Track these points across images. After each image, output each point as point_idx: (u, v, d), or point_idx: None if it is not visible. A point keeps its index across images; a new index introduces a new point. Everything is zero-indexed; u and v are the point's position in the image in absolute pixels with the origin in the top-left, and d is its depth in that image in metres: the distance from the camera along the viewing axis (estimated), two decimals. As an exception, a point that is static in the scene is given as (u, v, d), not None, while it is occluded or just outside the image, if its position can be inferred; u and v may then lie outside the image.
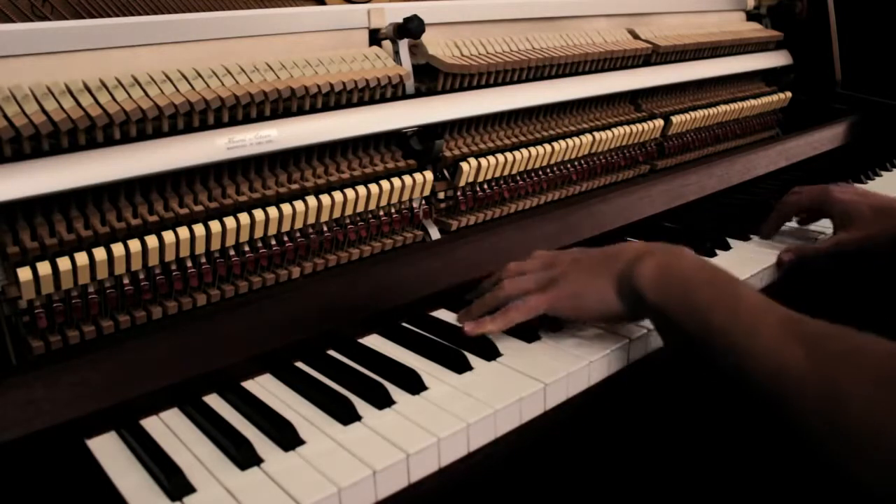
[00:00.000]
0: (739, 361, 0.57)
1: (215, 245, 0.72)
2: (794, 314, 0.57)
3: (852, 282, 0.94)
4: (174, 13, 0.83)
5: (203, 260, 0.73)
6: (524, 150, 0.97)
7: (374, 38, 0.91)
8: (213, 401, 0.66)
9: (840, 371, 0.51)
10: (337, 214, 0.81)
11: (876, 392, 0.49)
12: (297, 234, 0.79)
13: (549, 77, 1.04)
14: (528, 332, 0.76)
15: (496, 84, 0.98)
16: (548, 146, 1.00)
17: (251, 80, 0.76)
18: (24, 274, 0.62)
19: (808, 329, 0.56)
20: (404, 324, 0.80)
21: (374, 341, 0.77)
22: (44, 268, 0.63)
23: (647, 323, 0.77)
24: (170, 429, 0.62)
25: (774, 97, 1.45)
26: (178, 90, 0.72)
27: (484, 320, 0.72)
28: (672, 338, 0.67)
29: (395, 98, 0.87)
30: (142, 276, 0.69)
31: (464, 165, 0.92)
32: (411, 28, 0.87)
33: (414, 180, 0.86)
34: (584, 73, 1.10)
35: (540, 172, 1.02)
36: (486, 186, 0.97)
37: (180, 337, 0.67)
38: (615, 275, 0.69)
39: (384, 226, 0.87)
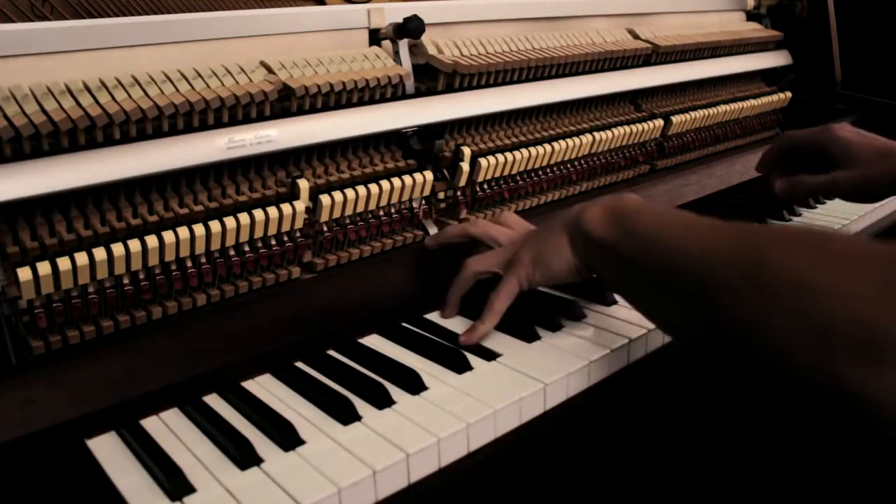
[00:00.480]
0: (670, 263, 0.57)
1: (215, 245, 0.72)
2: (718, 223, 0.58)
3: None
4: (174, 13, 0.83)
5: (203, 260, 0.73)
6: (524, 150, 0.97)
7: (374, 38, 0.91)
8: (213, 401, 0.66)
9: (762, 240, 0.51)
10: (337, 214, 0.81)
11: (797, 250, 0.48)
12: (297, 234, 0.79)
13: (550, 77, 1.04)
14: (527, 332, 0.76)
15: (496, 84, 0.98)
16: (548, 146, 1.00)
17: (251, 80, 0.76)
18: (24, 274, 0.62)
19: (736, 225, 0.56)
20: (404, 324, 0.80)
21: (374, 341, 0.77)
22: (44, 268, 0.63)
23: (647, 323, 0.77)
24: (170, 429, 0.62)
25: (774, 97, 1.45)
26: (178, 90, 0.72)
27: (475, 326, 0.74)
28: (616, 273, 0.68)
29: (395, 98, 0.87)
30: (142, 276, 0.69)
31: (464, 165, 0.92)
32: (411, 28, 0.87)
33: (414, 180, 0.86)
34: (584, 73, 1.09)
35: (540, 172, 1.02)
36: (486, 186, 0.97)
37: (180, 337, 0.67)
38: (566, 229, 0.72)
39: (384, 226, 0.87)
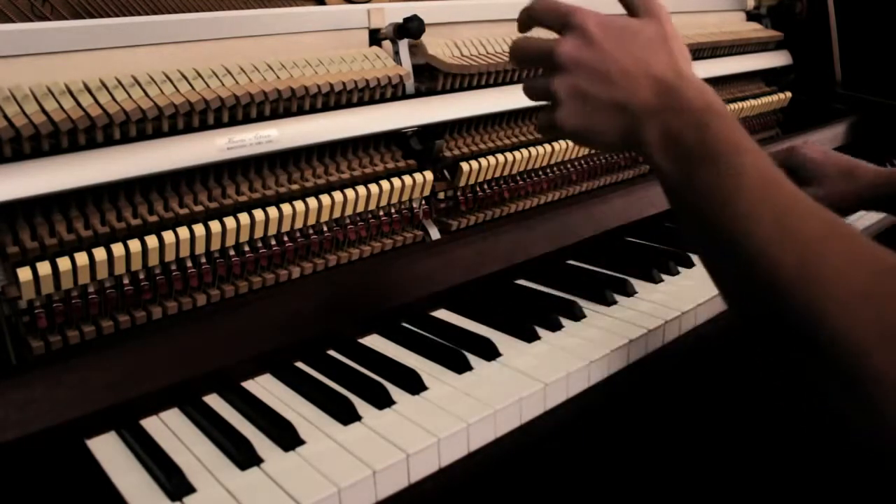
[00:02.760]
0: (731, 243, 0.50)
1: (215, 245, 0.72)
2: (794, 205, 0.50)
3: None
4: (174, 13, 0.83)
5: (203, 260, 0.73)
6: (524, 150, 0.97)
7: (374, 38, 0.91)
8: (213, 401, 0.66)
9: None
10: (337, 214, 0.81)
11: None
12: (297, 234, 0.79)
13: (549, 77, 1.04)
14: (527, 332, 0.76)
15: (496, 84, 0.98)
16: (548, 146, 1.00)
17: (251, 80, 0.76)
18: (24, 274, 0.62)
19: (805, 234, 0.49)
20: (404, 324, 0.80)
21: (374, 341, 0.77)
22: (44, 268, 0.63)
23: (647, 323, 0.77)
24: (170, 429, 0.62)
25: (774, 97, 1.44)
26: (178, 90, 0.72)
27: None
28: (674, 200, 0.57)
29: (395, 98, 0.87)
30: (142, 276, 0.69)
31: (464, 165, 0.92)
32: (411, 28, 0.87)
33: (414, 180, 0.86)
34: (584, 73, 1.09)
35: (540, 172, 1.02)
36: (486, 186, 0.97)
37: (180, 337, 0.67)
38: (619, 129, 0.58)
39: (384, 226, 0.87)
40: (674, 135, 0.55)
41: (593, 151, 1.09)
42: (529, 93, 0.63)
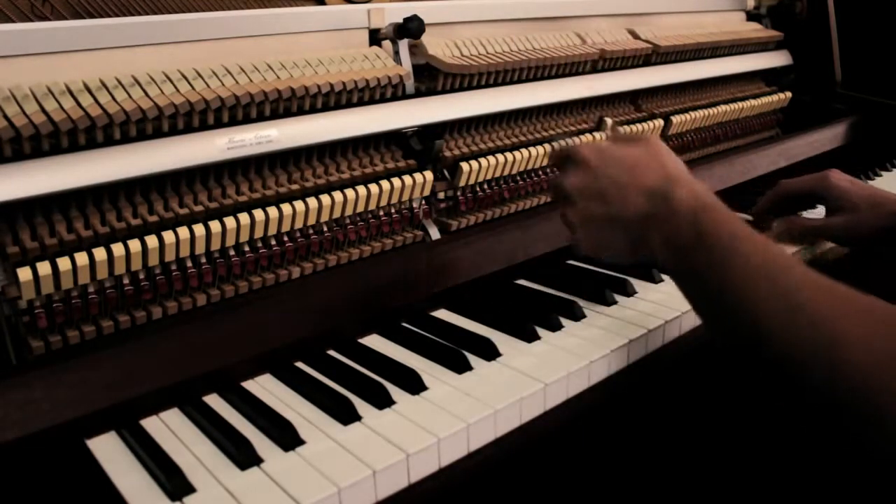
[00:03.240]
0: (733, 316, 0.57)
1: (215, 245, 0.72)
2: (786, 277, 0.56)
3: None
4: (174, 13, 0.83)
5: (203, 260, 0.73)
6: (524, 150, 0.97)
7: (374, 38, 0.91)
8: (213, 401, 0.66)
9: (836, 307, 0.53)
10: (337, 214, 0.81)
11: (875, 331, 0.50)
12: (297, 234, 0.79)
13: (549, 77, 1.04)
14: (527, 332, 0.76)
15: (496, 84, 0.98)
16: (548, 146, 1.00)
17: (251, 80, 0.76)
18: (24, 274, 0.62)
19: (795, 299, 0.55)
20: (404, 324, 0.80)
21: (374, 341, 0.77)
22: (44, 268, 0.63)
23: (647, 323, 0.77)
24: (170, 429, 0.62)
25: (774, 97, 1.45)
26: (178, 90, 0.72)
27: None
28: (682, 285, 0.65)
29: (395, 98, 0.87)
30: (142, 276, 0.69)
31: (464, 165, 0.91)
32: (411, 28, 0.87)
33: (414, 180, 0.86)
34: (583, 73, 1.10)
35: (540, 172, 1.02)
36: (486, 186, 0.97)
37: (180, 337, 0.67)
38: (627, 240, 0.67)
39: (384, 226, 0.87)
40: (670, 236, 0.62)
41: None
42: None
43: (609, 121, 1.10)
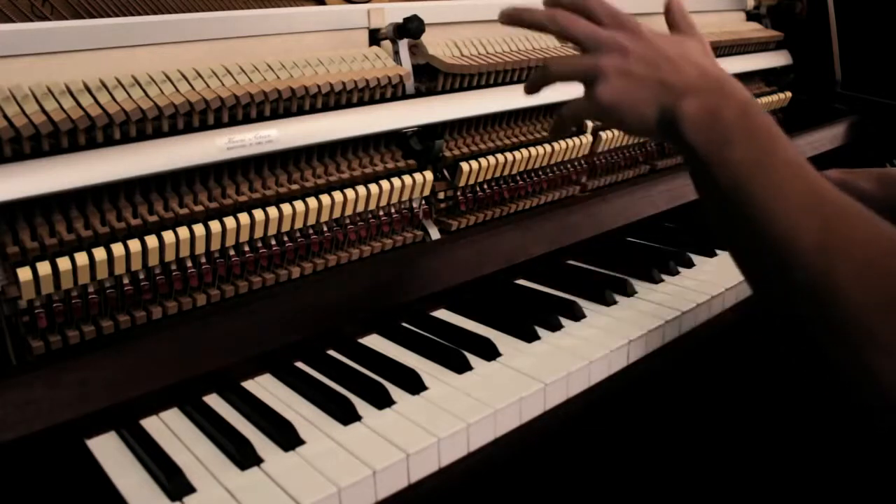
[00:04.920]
0: (757, 219, 0.53)
1: (215, 245, 0.72)
2: (820, 185, 0.54)
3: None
4: (174, 13, 0.83)
5: (203, 260, 0.73)
6: (524, 150, 0.97)
7: (374, 38, 0.91)
8: (213, 401, 0.66)
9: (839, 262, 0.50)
10: (337, 214, 0.81)
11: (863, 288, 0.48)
12: (297, 234, 0.79)
13: (549, 77, 1.04)
14: (527, 332, 0.76)
15: (496, 84, 0.98)
16: (548, 146, 1.00)
17: (251, 80, 0.76)
18: (24, 274, 0.62)
19: (828, 209, 0.52)
20: (404, 324, 0.80)
21: (374, 341, 0.77)
22: (44, 268, 0.63)
23: (648, 323, 0.77)
24: (170, 429, 0.62)
25: (774, 97, 1.44)
26: (178, 90, 0.72)
27: None
28: (702, 182, 0.61)
29: (395, 98, 0.87)
30: (142, 276, 0.69)
31: (464, 166, 0.92)
32: (411, 28, 0.87)
33: (414, 180, 0.86)
34: (584, 73, 1.09)
35: (540, 172, 1.02)
36: (485, 186, 0.97)
37: (180, 337, 0.67)
38: (659, 104, 0.61)
39: (384, 226, 0.87)
40: (714, 110, 0.57)
41: (593, 151, 1.09)
42: (567, 70, 0.67)
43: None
